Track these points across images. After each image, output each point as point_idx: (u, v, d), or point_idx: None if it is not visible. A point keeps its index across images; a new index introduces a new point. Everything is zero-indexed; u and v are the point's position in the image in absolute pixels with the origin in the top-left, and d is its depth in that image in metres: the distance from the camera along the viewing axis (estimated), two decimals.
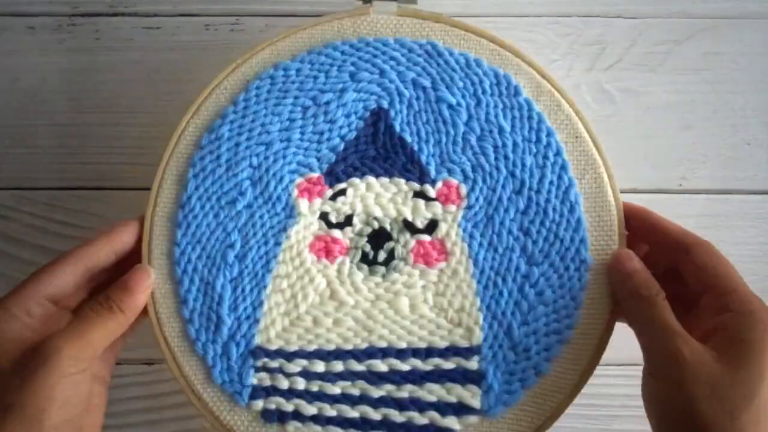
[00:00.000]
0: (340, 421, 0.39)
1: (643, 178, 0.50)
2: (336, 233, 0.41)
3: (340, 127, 0.42)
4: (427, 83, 0.42)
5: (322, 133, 0.42)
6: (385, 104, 0.42)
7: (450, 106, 0.42)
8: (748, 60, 0.49)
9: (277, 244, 0.41)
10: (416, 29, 0.42)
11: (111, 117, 0.49)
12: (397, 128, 0.42)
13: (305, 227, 0.41)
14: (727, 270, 0.36)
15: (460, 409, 0.39)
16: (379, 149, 0.42)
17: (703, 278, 0.37)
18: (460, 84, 0.42)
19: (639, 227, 0.40)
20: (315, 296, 0.40)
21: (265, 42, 0.42)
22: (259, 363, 0.39)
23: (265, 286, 0.40)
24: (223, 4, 0.49)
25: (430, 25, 0.42)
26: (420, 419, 0.39)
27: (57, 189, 0.49)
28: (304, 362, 0.40)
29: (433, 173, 0.41)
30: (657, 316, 0.35)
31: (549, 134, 0.41)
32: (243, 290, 0.40)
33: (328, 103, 0.42)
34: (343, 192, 0.41)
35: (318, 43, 0.42)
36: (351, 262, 0.41)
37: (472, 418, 0.38)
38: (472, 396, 0.39)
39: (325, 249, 0.41)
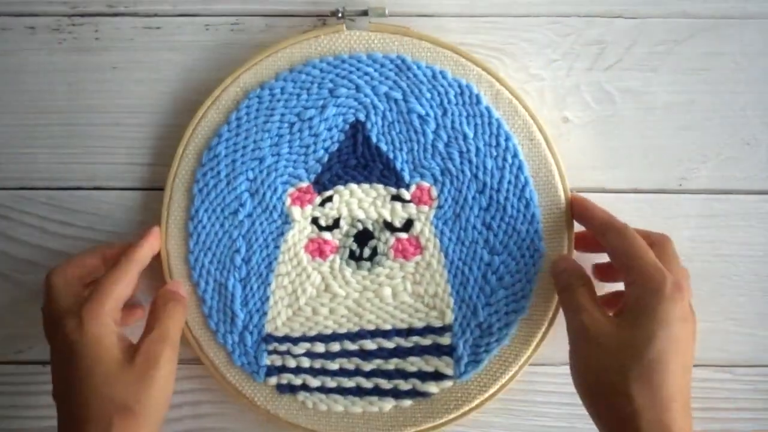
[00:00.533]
0: (340, 390, 0.46)
1: (643, 178, 0.50)
2: (326, 235, 0.47)
3: (324, 140, 0.47)
4: (398, 96, 0.47)
5: (308, 146, 0.47)
6: (362, 117, 0.47)
7: (420, 117, 0.47)
8: (748, 60, 0.49)
9: (277, 247, 0.47)
10: (387, 44, 0.47)
11: (111, 117, 0.49)
12: (374, 139, 0.47)
13: (299, 231, 0.47)
14: (635, 249, 0.41)
15: (437, 376, 0.46)
16: (359, 158, 0.47)
17: (617, 258, 0.42)
18: (428, 95, 0.47)
19: (577, 216, 0.46)
20: (312, 290, 0.47)
21: (250, 61, 0.47)
22: (271, 347, 0.46)
23: (269, 284, 0.47)
24: (223, 4, 0.49)
25: (399, 39, 0.47)
26: (404, 386, 0.46)
27: (57, 189, 0.49)
28: (307, 345, 0.47)
29: (407, 178, 0.47)
30: (573, 300, 0.42)
31: (507, 138, 0.46)
32: (251, 288, 0.47)
33: (311, 118, 0.47)
34: (330, 198, 0.47)
35: (298, 60, 0.47)
36: (341, 259, 0.47)
37: (447, 383, 0.46)
38: (446, 365, 0.46)
39: (318, 249, 0.47)
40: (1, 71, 0.49)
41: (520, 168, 0.46)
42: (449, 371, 0.46)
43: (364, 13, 0.46)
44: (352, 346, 0.47)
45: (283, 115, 0.47)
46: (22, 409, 0.49)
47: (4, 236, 0.49)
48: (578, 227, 0.47)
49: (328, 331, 0.47)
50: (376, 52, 0.47)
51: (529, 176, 0.46)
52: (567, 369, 0.48)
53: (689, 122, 0.50)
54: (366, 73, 0.47)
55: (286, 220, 0.47)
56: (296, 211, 0.47)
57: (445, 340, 0.46)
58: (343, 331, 0.47)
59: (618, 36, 0.49)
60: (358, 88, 0.47)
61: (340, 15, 0.47)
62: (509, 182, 0.46)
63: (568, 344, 0.42)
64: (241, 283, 0.46)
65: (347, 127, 0.47)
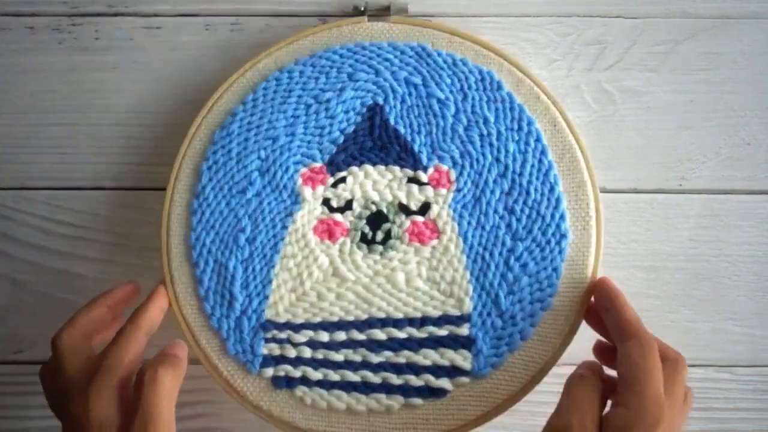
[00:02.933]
0: (344, 384, 0.43)
1: (643, 178, 0.50)
2: (337, 216, 0.45)
3: (340, 122, 0.46)
4: (418, 81, 0.46)
5: (323, 128, 0.46)
6: (380, 100, 0.46)
7: (439, 101, 0.45)
8: (748, 60, 0.49)
9: (284, 227, 0.45)
10: (408, 34, 0.46)
11: (111, 117, 0.49)
12: (392, 121, 0.46)
13: (309, 212, 0.45)
14: (647, 374, 0.36)
15: (453, 371, 0.42)
16: (376, 140, 0.45)
17: (626, 369, 0.37)
18: (448, 81, 0.46)
19: (601, 305, 0.41)
20: (319, 274, 0.44)
21: (271, 47, 0.46)
22: (269, 335, 0.43)
23: (273, 266, 0.44)
24: (223, 4, 0.49)
25: (419, 30, 0.46)
26: (416, 381, 0.42)
27: (57, 189, 0.49)
28: (310, 333, 0.43)
29: (425, 160, 0.45)
30: (582, 397, 0.37)
31: (530, 123, 0.45)
32: (253, 270, 0.44)
33: (328, 100, 0.46)
34: (343, 180, 0.45)
35: (319, 48, 0.46)
36: (351, 242, 0.45)
37: (464, 379, 0.42)
38: (463, 359, 0.42)
39: (327, 231, 0.45)
40: (1, 71, 0.49)
41: (543, 152, 0.44)
42: (467, 366, 0.42)
43: (386, 9, 0.47)
44: (359, 336, 0.43)
45: (300, 96, 0.46)
46: (22, 409, 0.49)
47: (4, 236, 0.49)
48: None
49: (334, 318, 0.43)
50: (396, 41, 0.46)
51: (552, 160, 0.44)
52: (568, 369, 0.47)
53: (689, 122, 0.50)
54: (386, 59, 0.46)
55: (296, 200, 0.45)
56: (307, 192, 0.45)
57: (463, 330, 0.43)
58: (350, 318, 0.43)
59: (618, 36, 0.49)
60: (377, 73, 0.46)
61: (362, 9, 0.47)
62: (532, 166, 0.44)
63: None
64: (242, 264, 0.44)
65: (364, 110, 0.46)
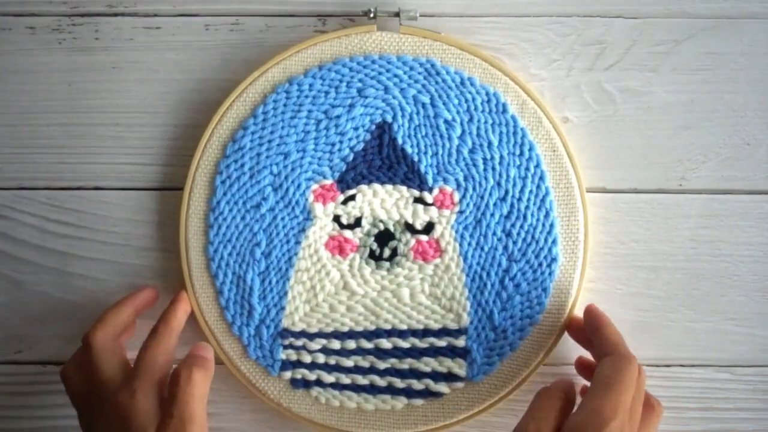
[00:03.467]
0: (354, 387, 0.47)
1: (643, 178, 0.50)
2: (347, 233, 0.47)
3: (350, 139, 0.47)
4: (426, 100, 0.47)
5: (333, 144, 0.47)
6: (389, 118, 0.47)
7: (446, 121, 0.47)
8: (748, 60, 0.49)
9: (297, 242, 0.47)
10: (417, 47, 0.47)
11: (111, 117, 0.49)
12: (400, 140, 0.47)
13: (321, 228, 0.47)
14: (605, 387, 0.38)
15: (450, 377, 0.47)
16: (384, 159, 0.47)
17: (597, 380, 0.39)
18: (456, 101, 0.47)
19: (588, 328, 0.44)
20: (331, 287, 0.47)
21: (279, 55, 0.47)
22: (287, 342, 0.47)
23: (288, 279, 0.47)
24: (223, 4, 0.49)
25: (429, 44, 0.47)
26: (417, 385, 0.47)
27: (57, 189, 0.49)
28: (323, 341, 0.47)
29: (430, 181, 0.47)
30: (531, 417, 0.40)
31: (531, 148, 0.47)
32: (270, 282, 0.47)
33: (338, 116, 0.47)
34: (353, 197, 0.47)
35: (328, 58, 0.47)
36: (360, 258, 0.47)
37: (459, 384, 0.47)
38: (459, 367, 0.47)
39: (338, 247, 0.47)
40: (1, 71, 0.49)
41: (542, 178, 0.47)
42: (462, 373, 0.46)
43: (396, 14, 0.47)
44: (367, 345, 0.47)
45: (310, 111, 0.47)
46: (22, 409, 0.49)
47: (4, 236, 0.49)
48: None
49: (345, 329, 0.47)
50: (405, 55, 0.47)
51: (549, 187, 0.47)
52: (568, 370, 0.49)
53: (689, 122, 0.50)
54: (395, 75, 0.47)
55: (308, 216, 0.47)
56: (318, 208, 0.47)
57: (460, 342, 0.47)
58: (359, 329, 0.47)
59: (618, 36, 0.49)
60: (386, 90, 0.47)
61: (372, 15, 0.47)
62: (531, 191, 0.47)
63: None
64: (259, 276, 0.47)
65: (373, 127, 0.47)
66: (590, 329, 0.44)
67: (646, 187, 0.50)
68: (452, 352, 0.47)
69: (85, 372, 0.43)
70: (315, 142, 0.47)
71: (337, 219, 0.47)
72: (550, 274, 0.47)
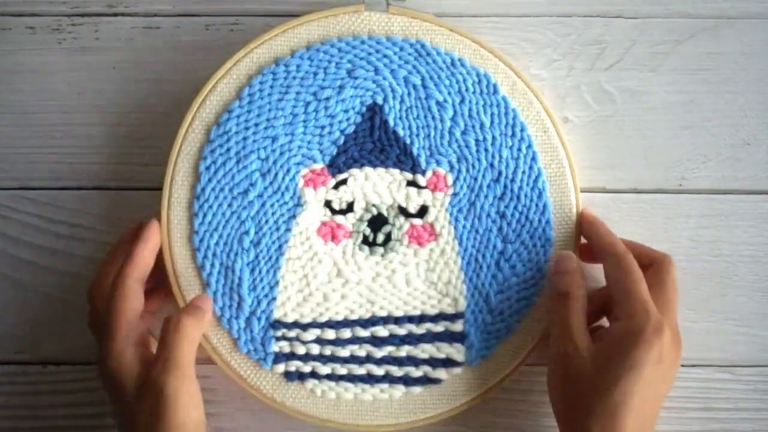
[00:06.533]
0: (350, 377, 0.46)
1: (643, 178, 0.50)
2: (339, 219, 0.46)
3: (340, 122, 0.46)
4: (417, 81, 0.46)
5: (323, 127, 0.46)
6: (379, 100, 0.46)
7: (438, 103, 0.46)
8: (748, 60, 0.49)
9: (288, 230, 0.45)
10: (406, 28, 0.46)
11: (111, 117, 0.49)
12: (391, 122, 0.46)
13: (312, 214, 0.46)
14: (627, 283, 0.41)
15: (448, 362, 0.46)
16: (376, 142, 0.46)
17: (610, 287, 0.43)
18: (447, 82, 0.46)
19: (585, 233, 0.46)
20: (323, 275, 0.46)
21: (264, 35, 0.45)
22: (279, 333, 0.45)
23: (279, 268, 0.45)
24: (223, 4, 0.49)
25: (419, 24, 0.46)
26: (415, 372, 0.46)
27: (57, 189, 0.49)
28: (317, 331, 0.45)
29: (423, 164, 0.46)
30: (566, 313, 0.42)
31: (522, 129, 0.46)
32: (260, 272, 0.45)
33: (328, 98, 0.45)
34: (344, 182, 0.46)
35: (315, 38, 0.46)
36: (354, 244, 0.46)
37: (457, 369, 0.46)
38: (457, 352, 0.46)
39: (330, 233, 0.46)
40: (1, 71, 0.49)
41: (534, 158, 0.46)
42: (460, 358, 0.45)
43: None
44: (363, 333, 0.45)
45: (298, 93, 0.45)
46: (22, 409, 0.49)
47: (4, 236, 0.49)
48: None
49: (339, 317, 0.46)
50: (395, 36, 0.46)
51: (541, 167, 0.46)
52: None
53: (689, 122, 0.50)
54: (385, 56, 0.46)
55: (299, 202, 0.45)
56: (309, 193, 0.45)
57: (458, 327, 0.46)
58: (354, 317, 0.46)
59: (618, 36, 0.49)
60: (377, 71, 0.46)
61: None
62: (523, 172, 0.46)
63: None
64: (249, 266, 0.45)
65: (364, 109, 0.46)
66: (586, 236, 0.46)
67: (646, 187, 0.50)
68: (450, 337, 0.46)
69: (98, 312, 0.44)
70: (304, 125, 0.45)
71: (328, 204, 0.46)
72: (545, 254, 0.46)
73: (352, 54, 0.46)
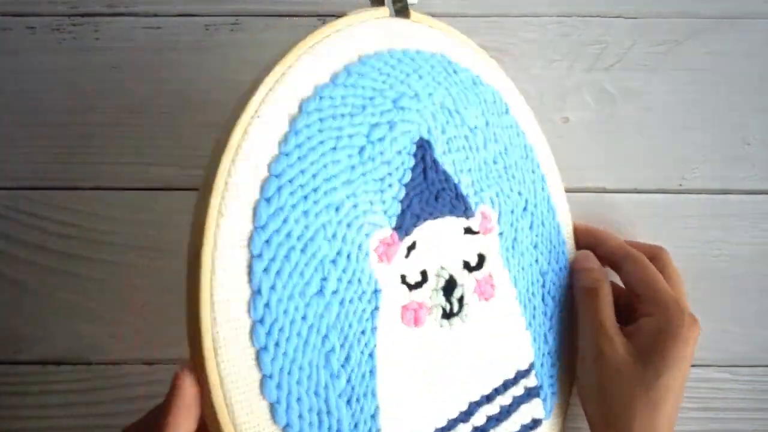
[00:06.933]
0: None
1: (643, 178, 0.50)
2: (417, 295, 0.36)
3: (396, 169, 0.35)
4: (451, 105, 0.38)
5: (382, 179, 0.35)
6: (425, 133, 0.37)
7: (470, 129, 0.39)
8: (748, 60, 0.49)
9: (374, 328, 0.34)
10: (427, 38, 0.39)
11: (111, 117, 0.49)
12: (439, 160, 0.37)
13: (392, 299, 0.35)
14: (652, 281, 0.42)
15: (534, 425, 0.41)
16: (430, 187, 0.37)
17: (635, 287, 0.43)
18: (475, 104, 0.39)
19: (586, 244, 0.46)
20: (420, 375, 0.36)
21: (290, 53, 0.33)
22: None
23: (375, 387, 0.33)
24: (223, 4, 0.49)
25: (438, 33, 0.40)
26: None
27: (57, 189, 0.49)
28: None
29: (472, 205, 0.39)
30: (593, 312, 0.41)
31: (531, 150, 0.43)
32: (357, 400, 0.33)
33: (381, 140, 0.35)
34: (413, 246, 0.36)
35: (351, 56, 0.35)
36: (435, 321, 0.37)
37: (541, 428, 0.41)
38: (536, 408, 0.41)
39: (414, 317, 0.36)
40: (1, 71, 0.49)
41: (543, 180, 0.43)
42: (541, 414, 0.41)
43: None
44: (465, 429, 0.38)
45: (351, 136, 0.34)
46: (22, 409, 0.49)
47: (4, 236, 0.49)
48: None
49: (443, 423, 0.37)
50: (422, 49, 0.38)
51: (549, 187, 0.44)
52: None
53: (689, 122, 0.50)
54: (420, 76, 0.37)
55: (376, 286, 0.34)
56: (384, 272, 0.34)
57: (532, 381, 0.41)
58: (454, 414, 0.37)
59: (618, 36, 0.49)
60: (417, 96, 0.36)
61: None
62: (539, 196, 0.43)
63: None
64: (342, 397, 0.32)
65: (414, 148, 0.36)
66: (590, 246, 0.45)
67: (646, 187, 0.50)
68: (528, 395, 0.40)
69: None
70: (363, 180, 0.34)
71: (404, 279, 0.35)
72: (567, 276, 0.44)
73: (393, 77, 0.36)
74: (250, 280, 0.30)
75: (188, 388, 0.28)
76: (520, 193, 0.41)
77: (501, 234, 0.40)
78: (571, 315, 0.43)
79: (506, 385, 0.40)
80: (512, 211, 0.40)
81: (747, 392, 0.50)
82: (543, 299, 0.42)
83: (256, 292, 0.30)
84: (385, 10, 0.38)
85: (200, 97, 0.49)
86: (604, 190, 0.50)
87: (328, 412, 0.31)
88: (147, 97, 0.49)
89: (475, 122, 0.39)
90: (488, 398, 0.39)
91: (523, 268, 0.41)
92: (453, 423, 0.37)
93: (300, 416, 0.31)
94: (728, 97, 0.50)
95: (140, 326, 0.48)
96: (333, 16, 0.49)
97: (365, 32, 0.36)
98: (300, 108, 0.32)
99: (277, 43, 0.48)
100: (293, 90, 0.33)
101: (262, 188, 0.31)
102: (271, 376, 0.30)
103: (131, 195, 0.49)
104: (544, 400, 0.41)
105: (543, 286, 0.42)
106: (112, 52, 0.49)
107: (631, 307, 0.43)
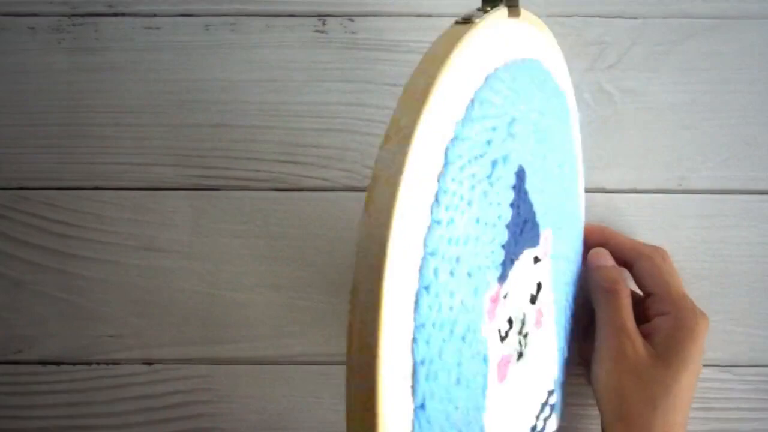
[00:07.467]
0: None
1: (643, 178, 0.50)
2: (506, 348, 0.32)
3: (502, 208, 0.29)
4: (540, 122, 0.32)
5: (494, 225, 0.28)
6: (522, 161, 0.30)
7: (547, 146, 0.34)
8: (748, 60, 0.49)
9: (482, 406, 0.29)
10: (524, 42, 0.32)
11: (111, 117, 0.49)
12: (528, 190, 0.31)
13: (494, 360, 0.30)
14: (666, 279, 0.43)
15: None
16: (519, 222, 0.31)
17: (645, 285, 0.43)
18: (557, 117, 0.34)
19: (597, 243, 0.45)
20: (509, 419, 0.33)
21: (428, 71, 0.25)
22: None
23: None
24: (223, 4, 0.49)
25: (534, 36, 0.33)
26: None
27: (57, 189, 0.49)
28: None
29: (540, 229, 0.34)
30: (616, 312, 0.41)
31: (575, 157, 0.41)
32: None
33: (499, 178, 0.28)
34: (506, 294, 0.31)
35: (474, 69, 0.27)
36: (514, 366, 0.33)
37: None
38: (554, 422, 0.41)
39: (503, 371, 0.32)
40: (1, 71, 0.49)
41: (578, 194, 0.42)
42: (555, 426, 0.41)
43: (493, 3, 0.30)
44: None
45: (495, 164, 0.28)
46: (22, 409, 0.49)
47: (4, 236, 0.49)
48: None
49: None
50: (528, 57, 0.31)
51: (579, 205, 0.41)
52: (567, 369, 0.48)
53: (689, 122, 0.50)
54: (519, 93, 0.30)
55: (486, 347, 0.29)
56: (492, 334, 0.29)
57: (554, 398, 0.40)
58: None
59: (618, 36, 0.49)
60: (515, 120, 0.29)
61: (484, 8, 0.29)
62: (574, 203, 0.40)
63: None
64: None
65: (515, 179, 0.30)
66: (599, 245, 0.45)
67: (646, 187, 0.50)
68: (551, 412, 0.39)
69: None
70: (485, 230, 0.27)
71: (499, 334, 0.31)
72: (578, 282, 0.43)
73: (509, 99, 0.29)
74: (413, 377, 0.24)
75: None
76: (564, 207, 0.37)
77: (553, 256, 0.35)
78: (574, 316, 0.43)
79: (543, 408, 0.38)
80: (561, 228, 0.36)
81: (747, 392, 0.49)
82: (569, 313, 0.41)
83: (420, 408, 0.24)
84: (500, 12, 0.29)
85: (200, 97, 0.49)
86: (604, 190, 0.50)
87: None
88: (147, 97, 0.49)
89: (556, 141, 0.34)
90: (533, 429, 0.37)
91: (560, 287, 0.38)
92: None
93: None
94: (728, 97, 0.50)
95: (140, 326, 0.48)
96: (332, 16, 0.49)
97: (480, 40, 0.27)
98: (453, 135, 0.25)
99: (278, 43, 0.48)
100: (441, 108, 0.24)
101: (424, 239, 0.24)
102: None
103: (131, 195, 0.49)
104: (559, 414, 0.41)
105: (567, 299, 0.41)
106: (112, 52, 0.49)
107: (641, 305, 0.43)
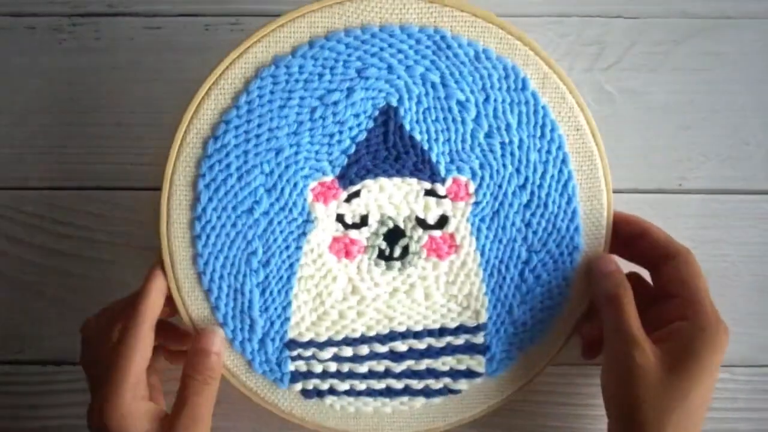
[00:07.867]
0: (370, 391, 0.44)
1: (643, 178, 0.50)
2: (353, 234, 0.43)
3: (350, 128, 0.41)
4: (436, 78, 0.41)
5: (332, 135, 0.41)
6: (394, 102, 0.41)
7: (459, 102, 0.42)
8: (748, 60, 0.49)
9: (299, 247, 0.42)
10: (423, 14, 0.41)
11: (111, 117, 0.49)
12: (407, 127, 0.42)
13: (323, 230, 0.42)
14: (698, 283, 0.40)
15: (469, 374, 0.44)
16: (390, 149, 0.42)
17: (676, 285, 0.41)
18: (469, 79, 0.41)
19: (629, 232, 0.44)
20: (338, 293, 0.43)
21: (261, 31, 0.41)
22: (294, 353, 0.43)
23: (291, 288, 0.43)
24: (223, 4, 0.49)
25: (437, 10, 0.41)
26: (435, 384, 0.44)
27: (57, 189, 0.49)
28: (334, 349, 0.44)
29: (443, 171, 0.42)
30: (618, 320, 0.40)
31: (553, 129, 0.42)
32: (271, 293, 0.43)
33: (336, 103, 0.41)
34: (357, 194, 0.42)
35: (319, 32, 0.41)
36: (369, 259, 0.43)
37: (478, 380, 0.44)
38: (478, 364, 0.44)
39: (344, 249, 0.43)
40: (1, 71, 0.49)
41: (564, 161, 0.43)
42: (481, 369, 0.44)
43: None
44: (381, 349, 0.44)
45: (302, 98, 0.41)
46: (22, 409, 0.49)
47: (4, 236, 0.49)
48: None
49: (356, 335, 0.43)
50: (410, 25, 0.41)
51: (572, 169, 0.43)
52: (567, 369, 0.48)
53: (689, 122, 0.50)
54: (400, 51, 0.41)
55: (309, 218, 0.42)
56: (319, 208, 0.42)
57: (479, 339, 0.44)
58: (372, 333, 0.43)
59: (618, 36, 0.49)
60: (390, 68, 0.41)
61: None
62: (552, 176, 0.42)
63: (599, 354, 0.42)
64: (258, 287, 0.42)
65: (377, 113, 0.41)
66: (636, 236, 0.43)
67: (646, 187, 0.50)
68: (470, 349, 0.44)
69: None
70: (311, 134, 0.41)
71: (340, 219, 0.42)
72: (572, 263, 0.43)
73: (362, 50, 0.41)
74: (194, 189, 0.42)
75: (159, 274, 0.41)
76: (518, 170, 0.42)
77: (477, 203, 0.43)
78: (562, 303, 0.44)
79: (442, 332, 0.44)
80: (500, 186, 0.43)
81: (747, 392, 0.50)
82: (522, 275, 0.43)
83: (198, 200, 0.41)
84: None
85: None
86: None
87: (242, 293, 0.42)
88: (147, 97, 0.49)
89: (466, 96, 0.42)
90: (416, 334, 0.44)
91: (500, 241, 0.43)
92: (368, 339, 0.43)
93: (219, 288, 0.42)
94: (728, 97, 0.50)
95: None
96: None
97: (341, 10, 0.41)
98: (256, 73, 0.41)
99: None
100: (254, 58, 0.41)
101: (213, 128, 0.41)
102: (201, 255, 0.42)
103: (131, 195, 0.49)
104: (490, 360, 0.44)
105: (526, 263, 0.43)
106: (112, 52, 0.49)
107: (658, 308, 0.42)
